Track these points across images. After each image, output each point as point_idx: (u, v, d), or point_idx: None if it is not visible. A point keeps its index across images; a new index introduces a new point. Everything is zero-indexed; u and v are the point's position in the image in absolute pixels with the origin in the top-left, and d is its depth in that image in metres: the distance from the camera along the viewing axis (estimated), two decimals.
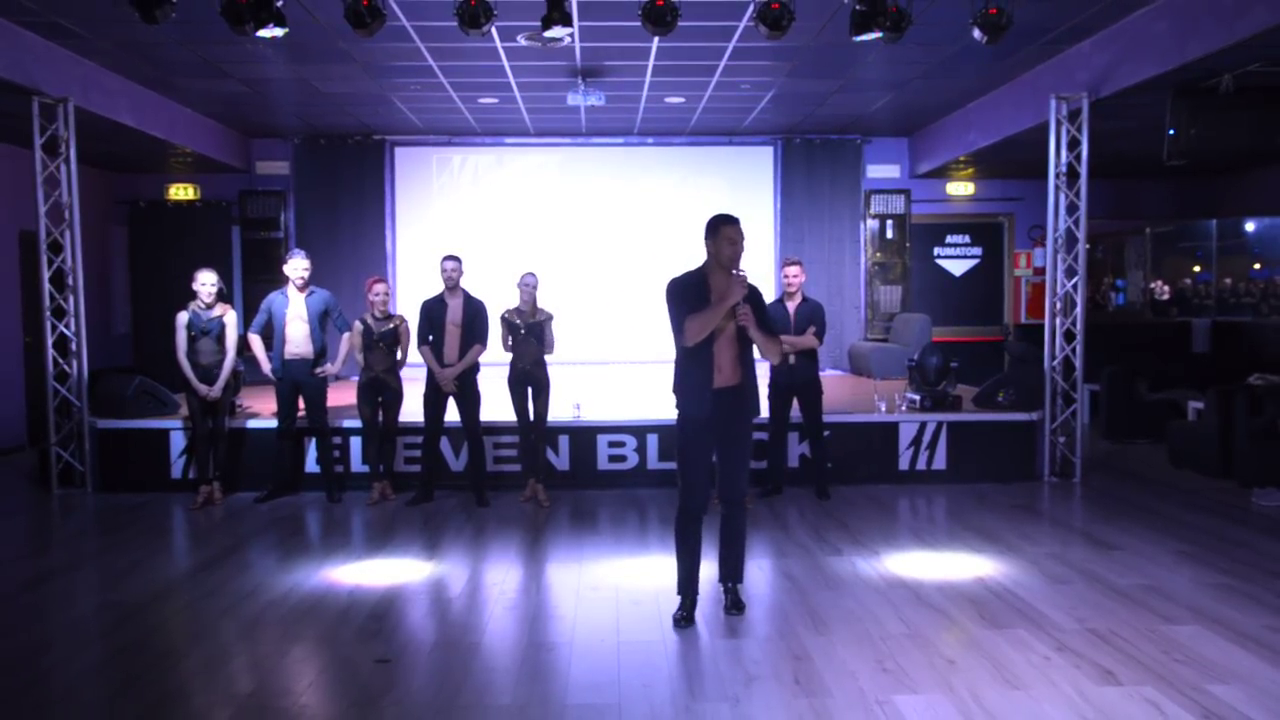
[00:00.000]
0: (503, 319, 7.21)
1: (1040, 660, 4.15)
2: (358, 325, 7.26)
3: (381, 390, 7.26)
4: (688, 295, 4.56)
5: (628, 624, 4.72)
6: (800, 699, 3.79)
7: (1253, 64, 6.86)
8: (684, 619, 4.68)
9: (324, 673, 4.18)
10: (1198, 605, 4.85)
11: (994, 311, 12.79)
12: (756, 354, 4.71)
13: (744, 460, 4.77)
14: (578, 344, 11.29)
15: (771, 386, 7.37)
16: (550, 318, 7.21)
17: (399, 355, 7.28)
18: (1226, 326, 11.41)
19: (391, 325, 7.24)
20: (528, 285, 7.16)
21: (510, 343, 7.18)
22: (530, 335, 7.13)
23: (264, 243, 12.02)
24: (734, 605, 4.82)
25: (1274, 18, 5.94)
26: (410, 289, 11.66)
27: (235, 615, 4.86)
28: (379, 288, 7.24)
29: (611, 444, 7.91)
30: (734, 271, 4.53)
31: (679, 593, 4.76)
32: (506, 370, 7.26)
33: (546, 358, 7.21)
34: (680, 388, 4.67)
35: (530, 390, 7.18)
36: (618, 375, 11.42)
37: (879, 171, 12.48)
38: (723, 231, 4.57)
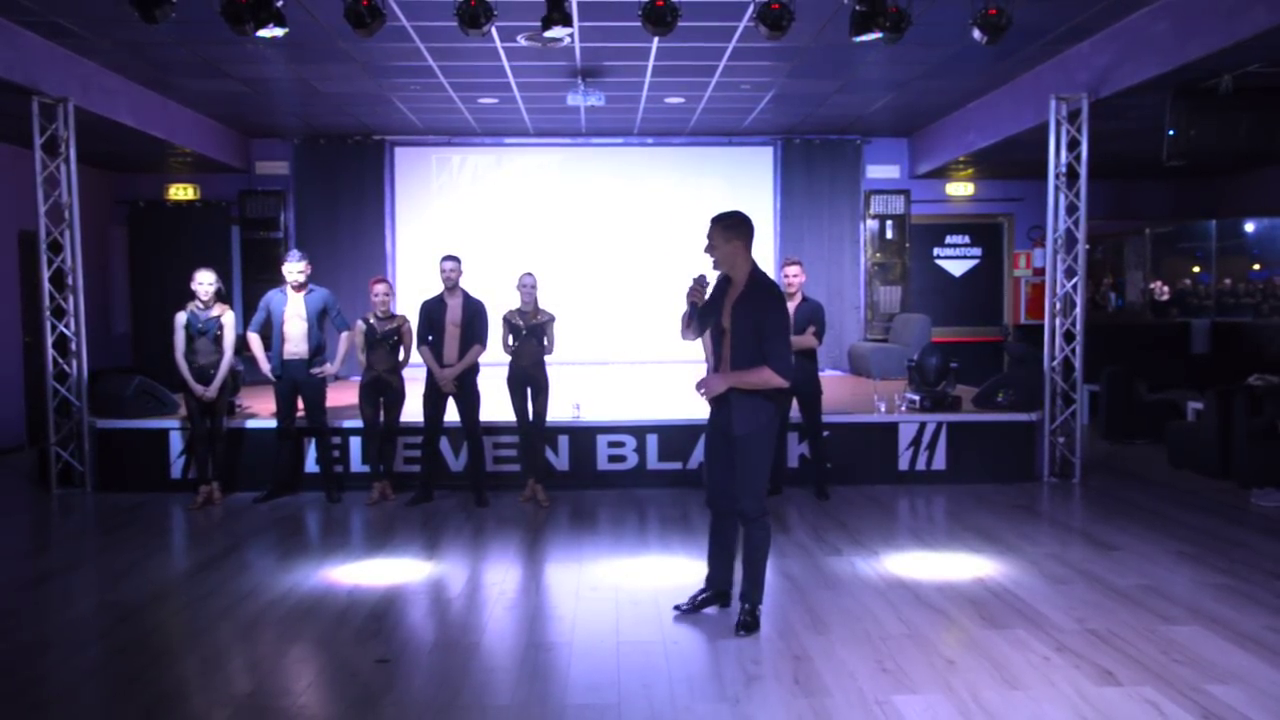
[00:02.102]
0: (505, 319, 7.21)
1: (1040, 660, 4.15)
2: (360, 325, 7.26)
3: (384, 390, 7.26)
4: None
5: (627, 624, 4.72)
6: (800, 699, 3.79)
7: (1252, 64, 6.87)
8: (682, 609, 4.73)
9: (323, 673, 4.18)
10: (1197, 605, 4.85)
11: (994, 312, 12.80)
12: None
13: (739, 471, 4.49)
14: (578, 344, 11.29)
15: None
16: (552, 319, 7.21)
17: (401, 355, 7.29)
18: (1226, 327, 11.41)
19: (394, 325, 7.24)
20: (526, 285, 7.16)
21: (511, 343, 7.18)
22: (532, 336, 7.13)
23: (263, 243, 12.02)
24: (740, 624, 4.53)
25: (1273, 18, 5.94)
26: (410, 289, 11.66)
27: (234, 615, 4.86)
28: (379, 288, 7.24)
29: (611, 444, 7.91)
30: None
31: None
32: (506, 370, 7.26)
33: (546, 359, 7.21)
34: None
35: (529, 390, 7.18)
36: (617, 375, 11.41)
37: (879, 172, 12.48)
38: None
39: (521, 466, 7.64)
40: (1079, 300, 8.14)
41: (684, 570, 5.51)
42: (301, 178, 12.01)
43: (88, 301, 8.16)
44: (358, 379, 7.46)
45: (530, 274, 7.24)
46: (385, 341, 7.20)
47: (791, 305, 7.28)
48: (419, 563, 5.82)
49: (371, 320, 7.23)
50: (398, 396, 7.32)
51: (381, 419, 7.33)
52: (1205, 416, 8.26)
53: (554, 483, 7.67)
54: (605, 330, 11.99)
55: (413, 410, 7.42)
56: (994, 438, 8.07)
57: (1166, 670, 4.03)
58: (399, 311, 8.00)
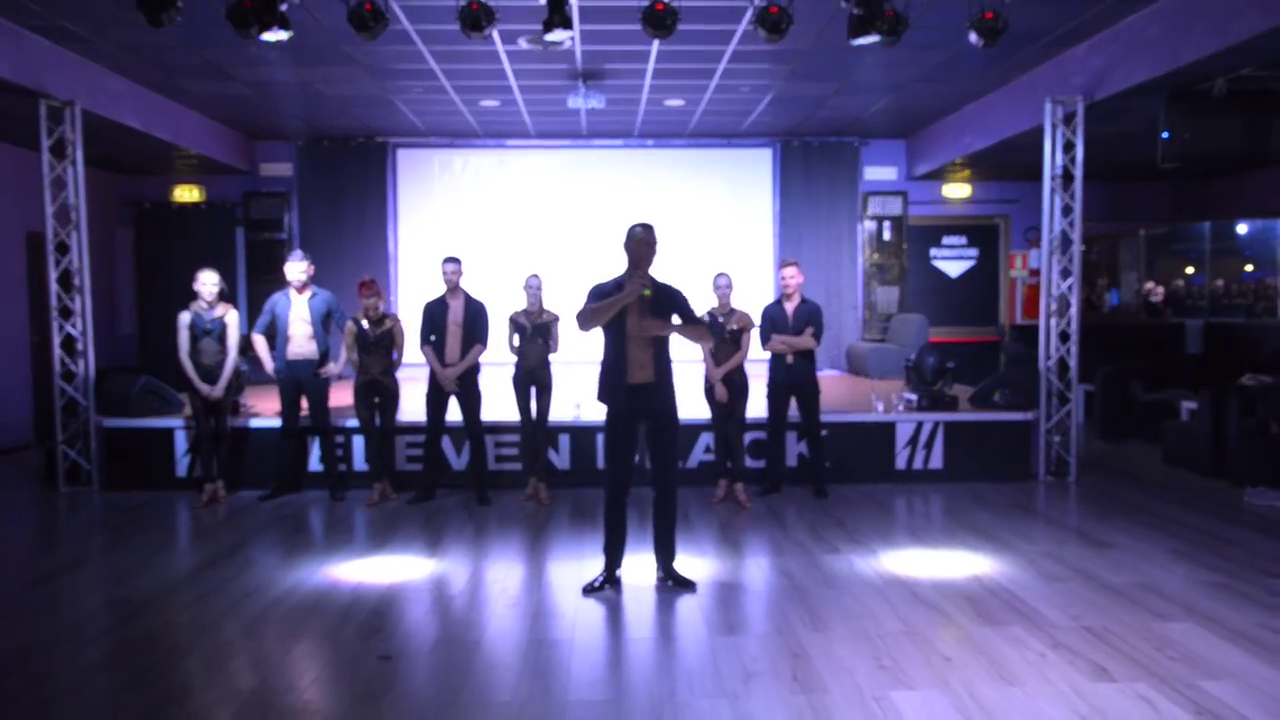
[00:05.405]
0: (510, 320, 7.28)
1: (1035, 657, 4.21)
2: (350, 326, 7.26)
3: (378, 391, 7.28)
4: (604, 295, 5.08)
5: (628, 621, 4.78)
6: (798, 695, 3.84)
7: (1245, 68, 6.93)
8: (598, 586, 5.17)
9: (327, 669, 4.23)
10: (1191, 603, 4.91)
11: (990, 312, 12.86)
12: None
13: (672, 453, 5.19)
14: (578, 344, 11.29)
15: (770, 386, 7.44)
16: (556, 318, 7.28)
17: (395, 356, 7.32)
18: (1219, 328, 11.47)
19: (385, 328, 7.27)
20: (532, 287, 7.24)
21: (517, 343, 7.25)
22: (537, 335, 7.21)
23: (268, 244, 12.08)
24: (674, 580, 5.25)
25: (1266, 22, 6.00)
26: (412, 290, 11.72)
27: (239, 613, 4.91)
28: (368, 302, 7.16)
29: None
30: (635, 271, 5.01)
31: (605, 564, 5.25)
32: (510, 369, 7.32)
33: (551, 358, 7.28)
34: (600, 382, 5.17)
35: (534, 389, 7.25)
36: None
37: (876, 173, 12.54)
38: (630, 234, 5.09)
39: (523, 465, 7.70)
40: (1074, 301, 8.20)
41: (683, 567, 5.55)
42: (305, 179, 12.07)
43: (94, 302, 8.20)
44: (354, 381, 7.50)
45: (536, 275, 7.32)
46: (378, 346, 7.24)
47: (790, 306, 7.36)
48: (421, 560, 5.88)
49: (364, 324, 7.25)
50: (392, 397, 7.35)
51: (378, 420, 7.37)
52: (1199, 416, 8.32)
53: (555, 481, 7.72)
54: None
55: (415, 410, 7.47)
56: (990, 437, 8.13)
57: (1160, 667, 4.08)
58: (399, 313, 8.04)
